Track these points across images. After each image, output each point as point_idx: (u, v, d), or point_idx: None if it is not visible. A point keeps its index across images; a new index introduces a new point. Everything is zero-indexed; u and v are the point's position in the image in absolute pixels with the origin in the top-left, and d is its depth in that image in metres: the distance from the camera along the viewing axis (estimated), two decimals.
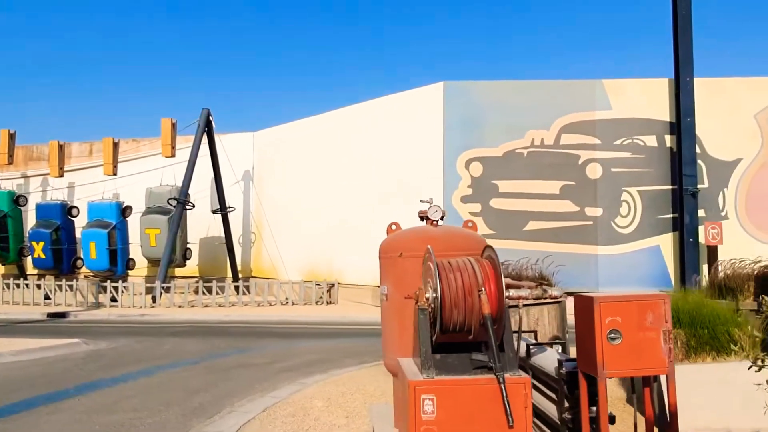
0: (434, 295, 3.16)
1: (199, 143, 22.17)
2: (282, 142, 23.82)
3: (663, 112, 17.28)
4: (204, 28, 67.53)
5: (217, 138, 23.31)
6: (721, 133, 16.95)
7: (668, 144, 17.20)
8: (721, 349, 4.69)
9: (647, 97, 17.42)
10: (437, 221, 4.33)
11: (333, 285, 20.92)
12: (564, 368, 4.01)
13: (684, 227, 16.08)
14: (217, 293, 20.49)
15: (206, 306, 19.77)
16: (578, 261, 16.69)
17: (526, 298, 4.04)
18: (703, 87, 16.63)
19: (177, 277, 23.44)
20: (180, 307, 19.73)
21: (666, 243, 16.92)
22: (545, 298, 4.57)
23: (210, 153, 22.99)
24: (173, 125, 22.48)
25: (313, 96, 65.01)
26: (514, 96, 18.11)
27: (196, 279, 22.72)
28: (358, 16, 68.17)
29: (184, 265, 23.32)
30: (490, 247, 3.59)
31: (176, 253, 21.84)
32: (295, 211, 22.65)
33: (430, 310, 3.27)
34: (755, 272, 7.39)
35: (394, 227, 4.55)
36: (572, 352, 4.99)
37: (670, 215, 16.94)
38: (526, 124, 17.88)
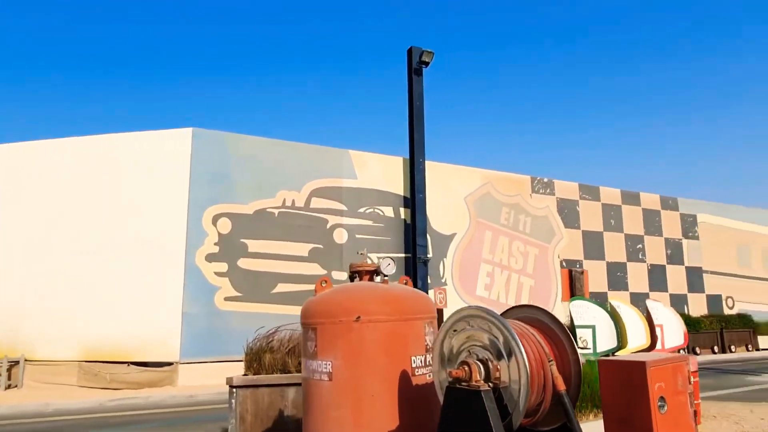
0: (515, 371, 2.37)
1: None
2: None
3: (399, 187, 19.15)
4: None
5: None
6: (441, 210, 19.61)
7: (402, 216, 19.02)
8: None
9: (386, 172, 19.12)
10: (386, 278, 3.50)
11: (17, 362, 16.06)
12: None
13: None
14: None
15: None
16: None
17: None
18: (429, 169, 19.13)
19: None
20: None
21: None
22: None
23: None
24: None
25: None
26: (267, 153, 17.67)
27: None
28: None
29: None
30: (536, 307, 2.97)
31: None
32: None
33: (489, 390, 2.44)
34: None
35: (324, 284, 3.50)
36: None
37: None
38: (277, 184, 17.52)
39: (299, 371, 6.25)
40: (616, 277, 22.66)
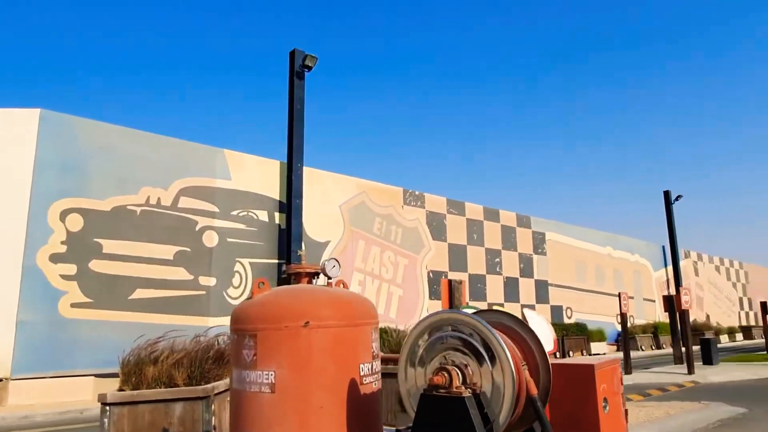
0: (498, 377, 2.24)
1: None
2: None
3: (275, 191, 18.54)
4: None
5: None
6: (317, 217, 19.34)
7: (277, 221, 18.42)
8: None
9: (263, 174, 18.42)
10: (332, 280, 3.21)
11: None
12: None
13: None
14: None
15: None
16: (189, 334, 15.42)
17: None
18: (307, 174, 18.79)
19: None
20: None
21: None
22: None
23: None
24: None
25: None
26: (129, 145, 16.07)
27: None
28: None
29: None
30: (501, 311, 2.88)
31: None
32: None
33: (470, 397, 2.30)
34: None
35: (262, 285, 3.12)
36: None
37: None
38: (141, 179, 16.00)
39: (189, 384, 5.64)
40: (477, 288, 24.09)
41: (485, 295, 24.21)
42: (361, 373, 3.19)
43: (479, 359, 2.52)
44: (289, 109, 18.72)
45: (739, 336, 38.83)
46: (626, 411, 3.48)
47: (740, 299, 45.07)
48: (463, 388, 2.46)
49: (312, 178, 19.33)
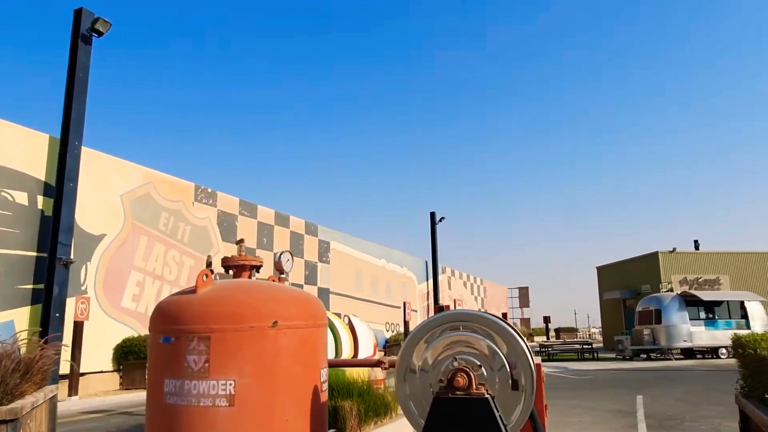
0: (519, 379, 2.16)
1: None
2: None
3: (40, 170, 15.53)
4: None
5: None
6: (91, 206, 16.76)
7: (40, 206, 15.43)
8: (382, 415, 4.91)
9: (25, 148, 15.28)
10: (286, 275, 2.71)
11: None
12: None
13: (52, 300, 14.46)
14: None
15: None
16: None
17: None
18: (84, 155, 16.15)
19: None
20: None
21: (22, 317, 14.58)
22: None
23: None
24: None
25: None
26: None
27: None
28: None
29: None
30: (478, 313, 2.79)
31: None
32: None
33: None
34: None
35: (206, 278, 2.51)
36: None
37: (32, 285, 14.88)
38: None
39: None
40: None
41: None
42: (321, 379, 2.78)
43: (499, 363, 2.41)
44: (68, 77, 15.89)
45: None
46: (546, 406, 3.82)
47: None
48: (482, 389, 2.34)
49: (89, 161, 16.71)
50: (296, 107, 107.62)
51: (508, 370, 2.47)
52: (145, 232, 18.55)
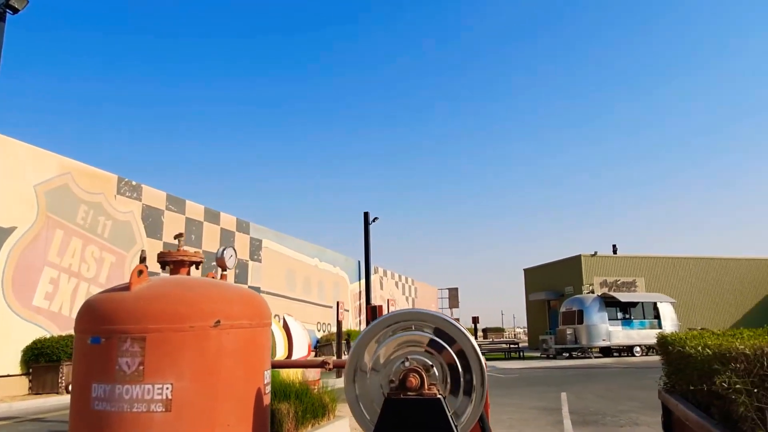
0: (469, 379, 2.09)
1: None
2: None
3: None
4: None
5: None
6: (0, 195, 15.48)
7: None
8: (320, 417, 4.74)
9: None
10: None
11: None
12: None
13: None
14: None
15: None
16: None
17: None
18: None
19: None
20: None
21: None
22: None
23: None
24: None
25: None
26: None
27: None
28: None
29: None
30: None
31: None
32: None
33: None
34: None
35: (140, 273, 2.28)
36: None
37: None
38: None
39: None
40: None
41: None
42: (265, 382, 2.58)
43: (448, 361, 2.33)
44: None
45: None
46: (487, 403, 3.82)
47: None
48: (434, 389, 2.25)
49: (0, 147, 15.44)
50: (229, 106, 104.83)
51: (460, 370, 2.43)
52: (61, 225, 17.34)
